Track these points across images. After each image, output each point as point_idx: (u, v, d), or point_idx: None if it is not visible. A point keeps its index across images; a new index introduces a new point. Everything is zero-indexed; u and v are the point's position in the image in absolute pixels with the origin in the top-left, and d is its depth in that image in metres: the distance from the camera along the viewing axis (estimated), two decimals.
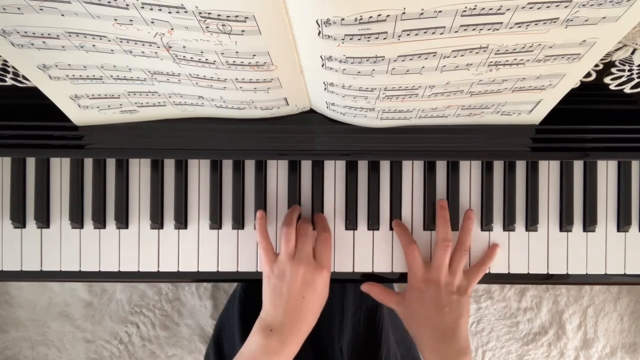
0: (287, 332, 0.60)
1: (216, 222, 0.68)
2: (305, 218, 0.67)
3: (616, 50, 0.58)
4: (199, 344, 1.35)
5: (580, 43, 0.47)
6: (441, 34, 0.44)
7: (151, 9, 0.42)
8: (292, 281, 0.61)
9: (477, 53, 0.47)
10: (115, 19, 0.44)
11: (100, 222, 0.68)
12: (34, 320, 1.35)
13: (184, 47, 0.46)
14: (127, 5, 0.41)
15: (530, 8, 0.41)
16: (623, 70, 0.60)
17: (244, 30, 0.43)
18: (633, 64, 0.59)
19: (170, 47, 0.47)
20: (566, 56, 0.49)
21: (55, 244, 0.69)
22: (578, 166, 0.69)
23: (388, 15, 0.41)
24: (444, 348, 0.62)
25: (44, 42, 0.48)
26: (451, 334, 0.62)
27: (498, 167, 0.69)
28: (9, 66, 0.60)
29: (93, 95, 0.57)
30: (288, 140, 0.63)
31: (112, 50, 0.49)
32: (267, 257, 0.63)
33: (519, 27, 0.44)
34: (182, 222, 0.68)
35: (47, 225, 0.69)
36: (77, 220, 0.68)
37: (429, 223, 0.69)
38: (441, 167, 0.69)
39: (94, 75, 0.53)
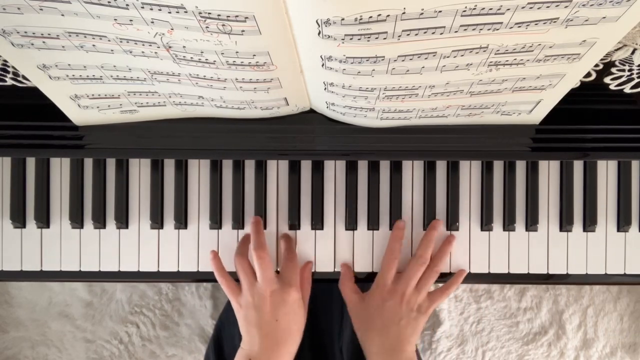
0: (267, 359, 0.61)
1: (216, 222, 0.68)
2: (259, 242, 0.65)
3: (616, 50, 0.58)
4: (199, 344, 1.35)
5: (580, 43, 0.47)
6: (441, 34, 0.44)
7: (151, 9, 0.42)
8: (261, 307, 0.62)
9: (477, 53, 0.47)
10: (115, 19, 0.44)
11: (100, 222, 0.68)
12: (34, 320, 1.35)
13: (184, 47, 0.46)
14: (127, 5, 0.41)
15: (530, 8, 0.41)
16: (623, 70, 0.60)
17: (244, 30, 0.43)
18: (633, 64, 0.59)
19: (170, 47, 0.47)
20: (566, 56, 0.49)
21: (55, 244, 0.69)
22: (578, 166, 0.69)
23: (388, 15, 0.41)
24: (392, 358, 0.62)
25: (44, 42, 0.48)
26: (400, 348, 0.63)
27: (498, 167, 0.69)
28: (9, 66, 0.60)
29: (93, 95, 0.57)
30: (288, 140, 0.63)
31: (112, 50, 0.49)
32: (231, 292, 0.64)
33: (519, 27, 0.44)
34: (182, 222, 0.68)
35: (47, 225, 0.69)
36: (77, 220, 0.68)
37: (429, 223, 0.69)
38: (441, 167, 0.69)
39: (94, 75, 0.53)
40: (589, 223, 0.69)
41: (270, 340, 0.61)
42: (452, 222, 0.69)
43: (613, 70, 0.60)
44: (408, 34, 0.43)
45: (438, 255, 0.67)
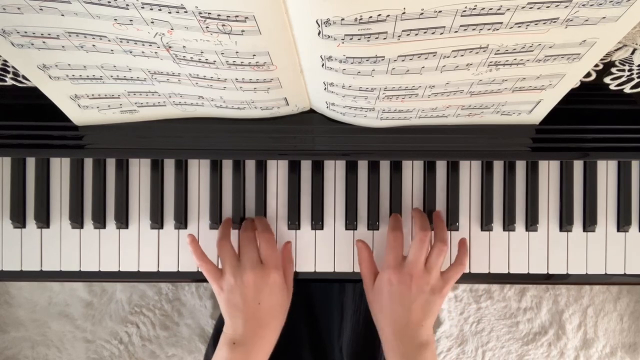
0: (251, 343, 0.60)
1: (216, 222, 0.68)
2: (247, 224, 0.65)
3: (616, 50, 0.58)
4: (199, 344, 1.35)
5: (580, 43, 0.47)
6: (441, 34, 0.44)
7: (151, 9, 0.42)
8: (243, 291, 0.60)
9: (477, 53, 0.47)
10: (115, 19, 0.44)
11: (100, 222, 0.68)
12: (34, 320, 1.35)
13: (184, 47, 0.46)
14: (127, 5, 0.41)
15: (530, 8, 0.41)
16: (623, 70, 0.60)
17: (244, 30, 0.43)
18: (633, 64, 0.59)
19: (170, 47, 0.47)
20: (566, 56, 0.49)
21: (55, 244, 0.69)
22: (578, 166, 0.69)
23: (388, 15, 0.41)
24: (403, 344, 0.60)
25: (44, 42, 0.48)
26: (413, 331, 0.60)
27: (498, 167, 0.69)
28: (9, 66, 0.60)
29: (93, 95, 0.57)
30: (288, 140, 0.63)
31: (112, 50, 0.49)
32: (212, 276, 0.63)
33: (519, 27, 0.44)
34: (182, 222, 0.68)
35: (47, 225, 0.69)
36: (77, 220, 0.68)
37: (429, 223, 0.69)
38: (441, 167, 0.69)
39: (94, 75, 0.53)
40: (589, 223, 0.69)
41: (253, 324, 0.60)
42: (452, 222, 0.69)
43: (613, 70, 0.60)
44: (408, 34, 0.43)
45: (436, 230, 0.65)
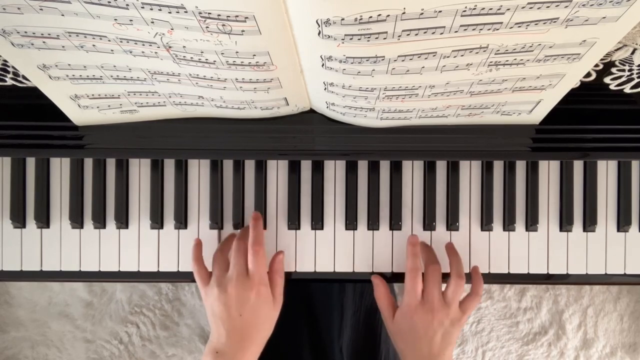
0: (232, 354, 0.60)
1: (216, 222, 0.68)
2: (242, 233, 0.65)
3: (616, 50, 0.58)
4: (199, 344, 1.35)
5: (580, 43, 0.47)
6: (441, 34, 0.44)
7: (151, 9, 0.42)
8: (225, 302, 0.61)
9: (477, 53, 0.47)
10: (115, 19, 0.44)
11: (100, 222, 0.68)
12: (34, 320, 1.35)
13: (184, 47, 0.46)
14: (127, 5, 0.41)
15: (530, 8, 0.41)
16: (623, 70, 0.60)
17: (244, 30, 0.43)
18: (633, 64, 0.59)
19: (170, 47, 0.47)
20: (566, 56, 0.49)
21: (55, 244, 0.69)
22: (578, 166, 0.69)
23: (388, 15, 0.41)
24: None
25: (44, 42, 0.48)
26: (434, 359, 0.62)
27: (498, 167, 0.69)
28: (9, 66, 0.60)
29: (93, 95, 0.57)
30: (288, 140, 0.63)
31: (112, 50, 0.49)
32: (201, 281, 0.63)
33: (519, 27, 0.44)
34: (182, 222, 0.68)
35: (47, 225, 0.69)
36: (77, 220, 0.68)
37: (429, 223, 0.69)
38: (441, 167, 0.69)
39: (94, 75, 0.53)
40: (589, 223, 0.69)
41: (236, 335, 0.61)
42: (452, 222, 0.69)
43: (613, 70, 0.60)
44: (408, 34, 0.43)
45: (452, 265, 0.66)
